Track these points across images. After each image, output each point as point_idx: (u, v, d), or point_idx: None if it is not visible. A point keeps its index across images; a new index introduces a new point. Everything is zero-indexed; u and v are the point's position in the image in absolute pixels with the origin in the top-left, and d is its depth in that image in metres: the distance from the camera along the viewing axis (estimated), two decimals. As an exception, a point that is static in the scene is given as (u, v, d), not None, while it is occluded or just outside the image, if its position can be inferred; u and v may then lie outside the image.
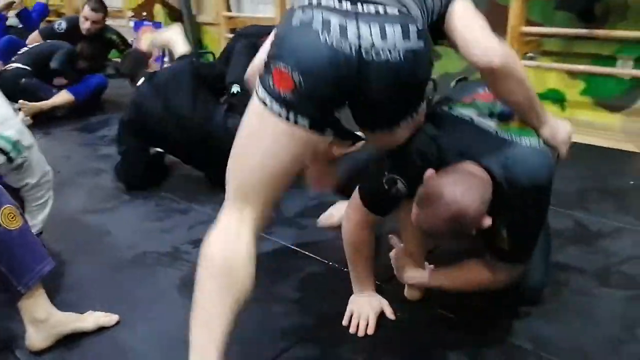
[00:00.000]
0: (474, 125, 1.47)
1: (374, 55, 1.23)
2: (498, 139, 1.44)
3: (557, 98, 3.45)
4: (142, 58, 3.16)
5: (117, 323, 1.73)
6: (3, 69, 4.04)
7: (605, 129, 3.23)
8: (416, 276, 1.71)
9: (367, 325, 1.66)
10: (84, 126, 4.00)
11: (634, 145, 3.01)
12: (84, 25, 4.36)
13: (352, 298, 1.75)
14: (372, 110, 1.37)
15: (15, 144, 1.84)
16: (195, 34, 5.32)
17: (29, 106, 3.92)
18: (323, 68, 1.22)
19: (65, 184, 2.84)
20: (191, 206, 2.59)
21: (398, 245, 1.74)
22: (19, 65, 4.04)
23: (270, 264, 2.03)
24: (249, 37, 3.23)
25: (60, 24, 4.48)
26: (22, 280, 1.55)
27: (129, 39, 4.93)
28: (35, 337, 1.61)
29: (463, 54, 1.36)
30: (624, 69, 3.12)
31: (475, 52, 1.32)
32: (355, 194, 1.61)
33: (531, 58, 3.45)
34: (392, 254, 1.75)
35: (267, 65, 1.28)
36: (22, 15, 5.12)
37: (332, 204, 2.11)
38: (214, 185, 2.63)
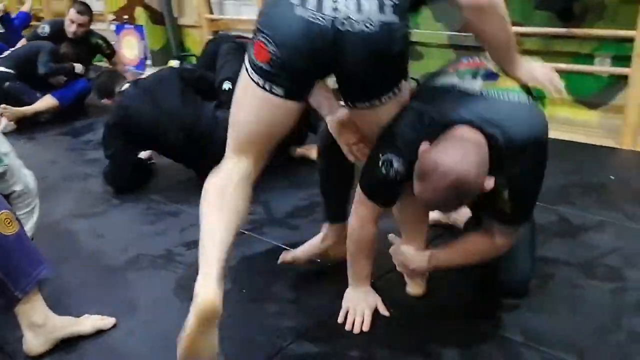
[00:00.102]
0: (458, 91, 1.47)
1: (349, 27, 1.31)
2: (486, 98, 1.44)
3: (537, 95, 3.50)
4: (118, 76, 3.18)
5: (114, 326, 1.74)
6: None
7: (585, 126, 3.28)
8: (417, 258, 1.70)
9: (363, 321, 1.69)
10: (68, 131, 3.97)
11: (613, 141, 3.07)
12: (70, 29, 4.31)
13: (347, 293, 1.77)
14: (349, 82, 1.45)
15: None
16: (177, 36, 5.31)
17: (12, 111, 3.90)
18: (297, 40, 1.32)
19: (53, 189, 2.84)
20: (182, 208, 2.60)
21: (397, 242, 1.76)
22: (2, 68, 4.01)
23: (263, 264, 2.06)
24: (228, 41, 3.27)
25: (44, 28, 4.43)
26: (19, 285, 1.56)
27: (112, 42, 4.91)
28: (33, 342, 1.62)
29: None
30: (602, 67, 3.19)
31: None
32: (357, 189, 1.63)
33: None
34: (391, 250, 1.77)
35: (251, 38, 1.42)
36: (4, 19, 5.12)
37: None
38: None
